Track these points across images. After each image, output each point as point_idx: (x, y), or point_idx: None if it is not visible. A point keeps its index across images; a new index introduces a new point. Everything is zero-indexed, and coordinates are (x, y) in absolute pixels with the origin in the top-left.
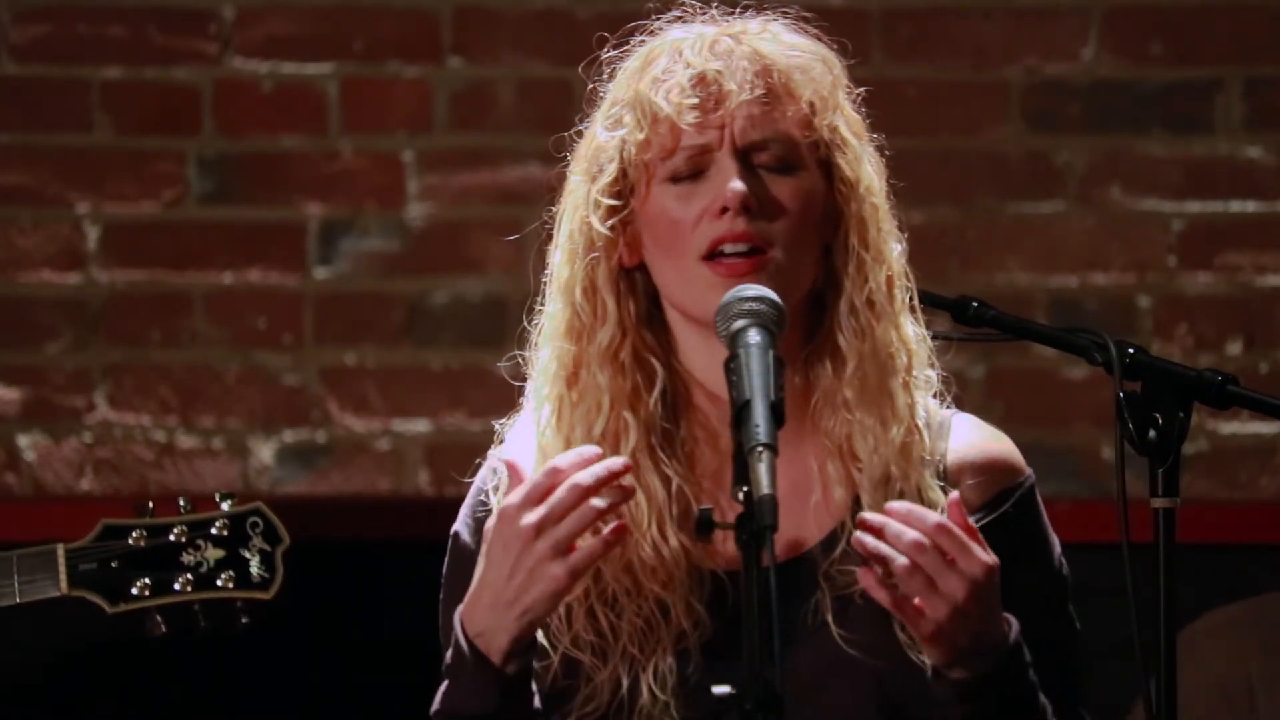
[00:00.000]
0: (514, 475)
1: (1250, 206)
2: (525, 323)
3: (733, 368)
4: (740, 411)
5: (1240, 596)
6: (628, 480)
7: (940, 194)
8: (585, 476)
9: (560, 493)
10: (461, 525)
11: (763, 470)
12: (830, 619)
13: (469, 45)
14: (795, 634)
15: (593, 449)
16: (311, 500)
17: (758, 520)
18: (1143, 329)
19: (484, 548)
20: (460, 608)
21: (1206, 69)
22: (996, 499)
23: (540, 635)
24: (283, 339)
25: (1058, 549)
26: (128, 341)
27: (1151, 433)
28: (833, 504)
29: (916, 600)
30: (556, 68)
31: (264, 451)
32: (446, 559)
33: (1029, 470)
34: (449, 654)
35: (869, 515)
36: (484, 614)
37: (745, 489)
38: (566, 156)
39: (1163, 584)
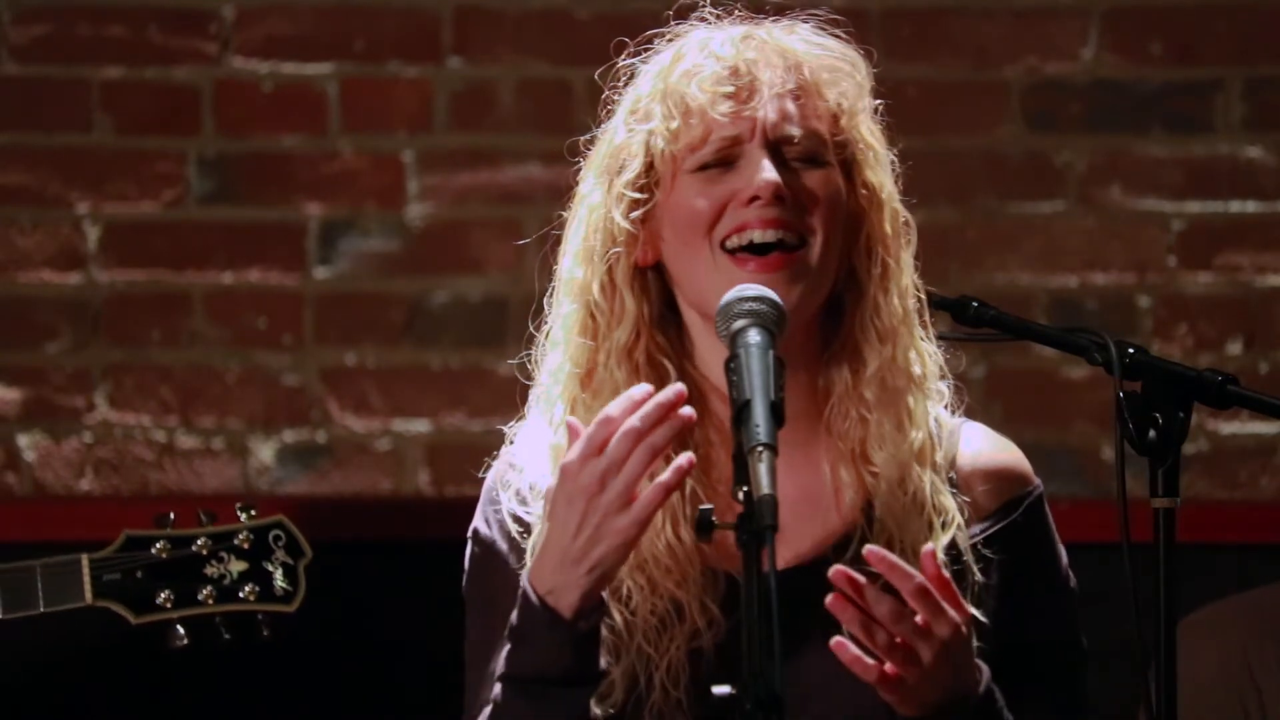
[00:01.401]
0: (573, 434)
1: (1250, 206)
2: (531, 327)
3: (733, 368)
4: (740, 411)
5: None
6: (686, 409)
7: (940, 194)
8: (636, 420)
9: (615, 441)
10: (479, 521)
11: (763, 470)
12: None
13: (469, 45)
14: (803, 637)
15: (642, 389)
16: (311, 500)
17: (758, 520)
18: (1143, 329)
19: (546, 509)
20: (527, 570)
21: (1206, 69)
22: (1005, 507)
23: None
24: (283, 339)
25: (1065, 561)
26: (128, 341)
27: (1151, 433)
28: (845, 509)
29: (888, 668)
30: (556, 68)
31: (264, 451)
32: (467, 557)
33: (1038, 481)
34: (514, 616)
35: (843, 570)
36: (552, 573)
37: (745, 489)
38: (569, 159)
39: (1163, 584)
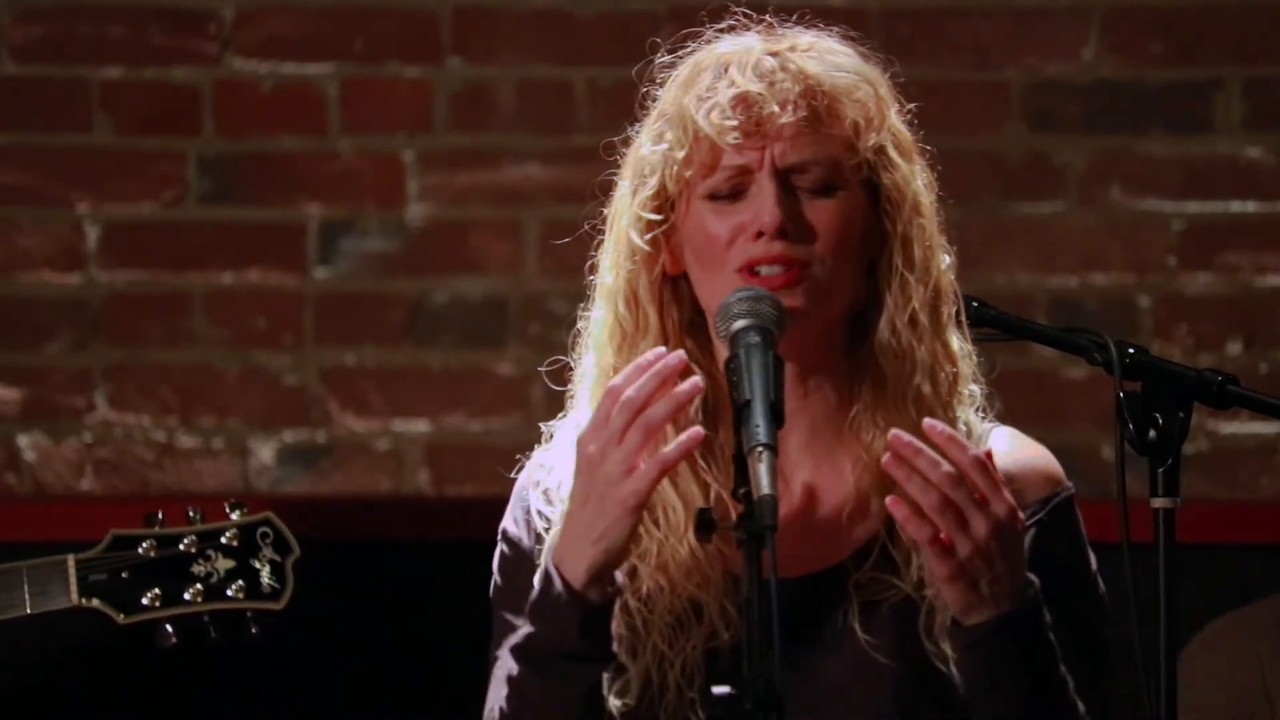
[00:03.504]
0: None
1: (1250, 206)
2: (575, 330)
3: (733, 368)
4: (740, 412)
5: (1240, 596)
6: (690, 380)
7: (940, 194)
8: (634, 391)
9: (615, 413)
10: (508, 521)
11: (762, 470)
12: (856, 625)
13: (469, 45)
14: (821, 640)
15: (650, 355)
16: (311, 500)
17: (758, 520)
18: (1143, 329)
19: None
20: (548, 548)
21: (1206, 69)
22: (1033, 507)
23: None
24: (283, 339)
25: (1094, 566)
26: (128, 341)
27: (1151, 433)
28: (868, 517)
29: (943, 535)
30: (556, 68)
31: (264, 451)
32: (495, 556)
33: (1069, 484)
34: (532, 596)
35: (901, 435)
36: (565, 546)
37: (745, 489)
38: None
39: (1163, 584)
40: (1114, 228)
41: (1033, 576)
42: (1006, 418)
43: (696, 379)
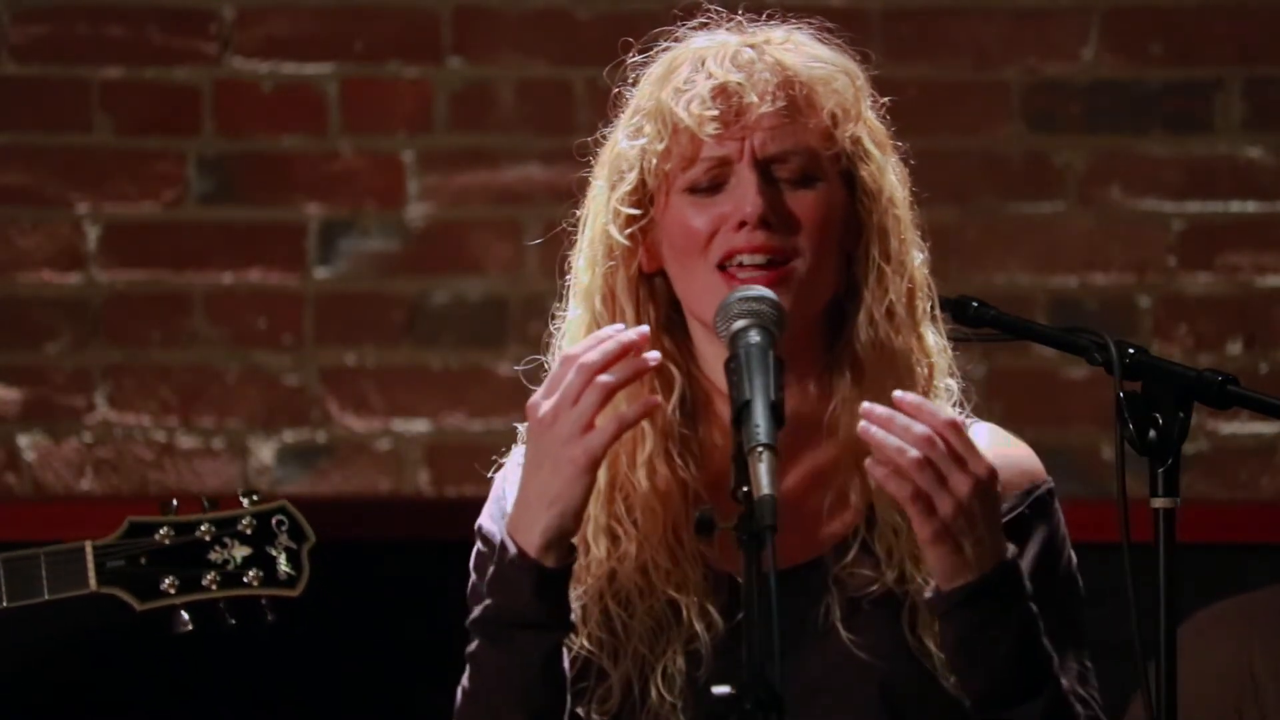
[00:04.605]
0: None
1: (1250, 206)
2: (549, 326)
3: (733, 368)
4: (740, 411)
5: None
6: (652, 353)
7: (940, 194)
8: (592, 355)
9: (569, 375)
10: (485, 518)
11: (763, 470)
12: (839, 621)
13: (469, 45)
14: (803, 635)
15: (611, 329)
16: (311, 500)
17: (758, 520)
18: (1143, 329)
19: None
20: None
21: (1206, 69)
22: (1013, 500)
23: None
24: (283, 339)
25: (1074, 563)
26: (128, 341)
27: (1151, 433)
28: (847, 510)
29: (926, 491)
30: (556, 68)
31: (264, 451)
32: (473, 554)
33: (1049, 479)
34: (489, 568)
35: (874, 406)
36: (519, 514)
37: (745, 489)
38: (570, 159)
39: (1163, 584)
40: (1114, 228)
41: (1010, 544)
42: (1006, 418)
43: (656, 353)
